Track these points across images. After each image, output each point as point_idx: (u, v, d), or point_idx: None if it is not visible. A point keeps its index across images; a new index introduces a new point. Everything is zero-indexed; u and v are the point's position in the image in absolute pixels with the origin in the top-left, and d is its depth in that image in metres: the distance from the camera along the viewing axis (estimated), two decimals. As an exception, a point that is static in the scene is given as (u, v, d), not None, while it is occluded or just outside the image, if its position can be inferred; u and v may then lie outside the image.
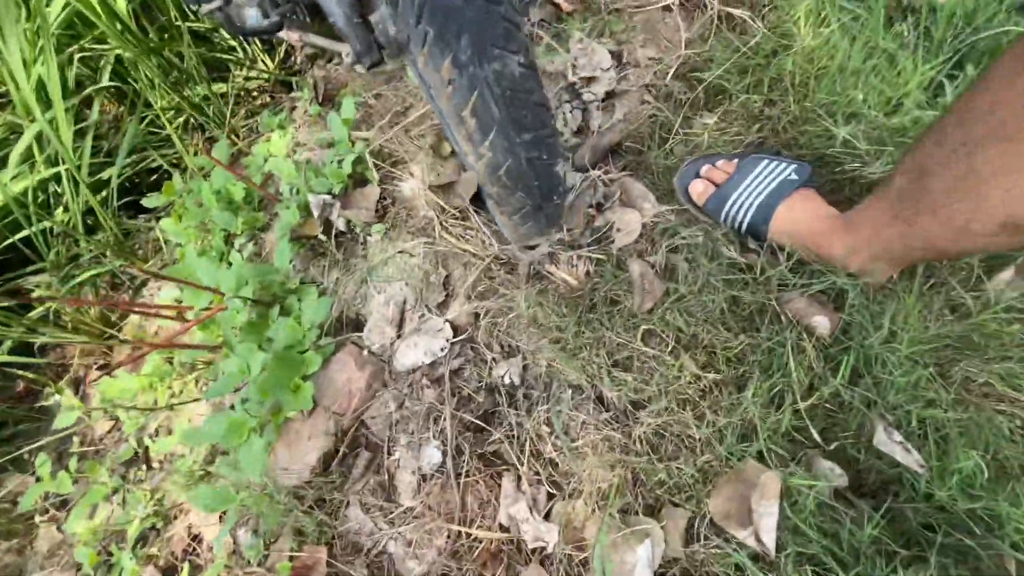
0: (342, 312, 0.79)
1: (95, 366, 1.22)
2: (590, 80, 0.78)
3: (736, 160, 0.67)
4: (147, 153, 1.27)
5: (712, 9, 0.76)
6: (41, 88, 1.06)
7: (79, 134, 1.14)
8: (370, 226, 0.83)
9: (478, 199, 0.72)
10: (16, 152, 1.04)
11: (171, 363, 1.02)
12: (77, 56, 1.16)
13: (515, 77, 0.45)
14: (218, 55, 1.27)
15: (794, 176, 0.62)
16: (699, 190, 0.67)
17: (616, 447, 0.59)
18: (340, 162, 0.88)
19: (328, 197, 0.86)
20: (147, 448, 1.01)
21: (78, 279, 1.17)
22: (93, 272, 1.19)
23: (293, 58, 1.46)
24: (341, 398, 0.71)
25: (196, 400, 0.93)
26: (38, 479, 1.05)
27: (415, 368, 0.70)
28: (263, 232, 1.05)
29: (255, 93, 1.43)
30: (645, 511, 0.58)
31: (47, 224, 1.10)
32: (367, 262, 0.82)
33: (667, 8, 0.80)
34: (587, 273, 0.68)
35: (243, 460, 0.65)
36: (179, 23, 1.16)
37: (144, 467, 1.02)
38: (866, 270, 0.56)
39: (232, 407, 0.74)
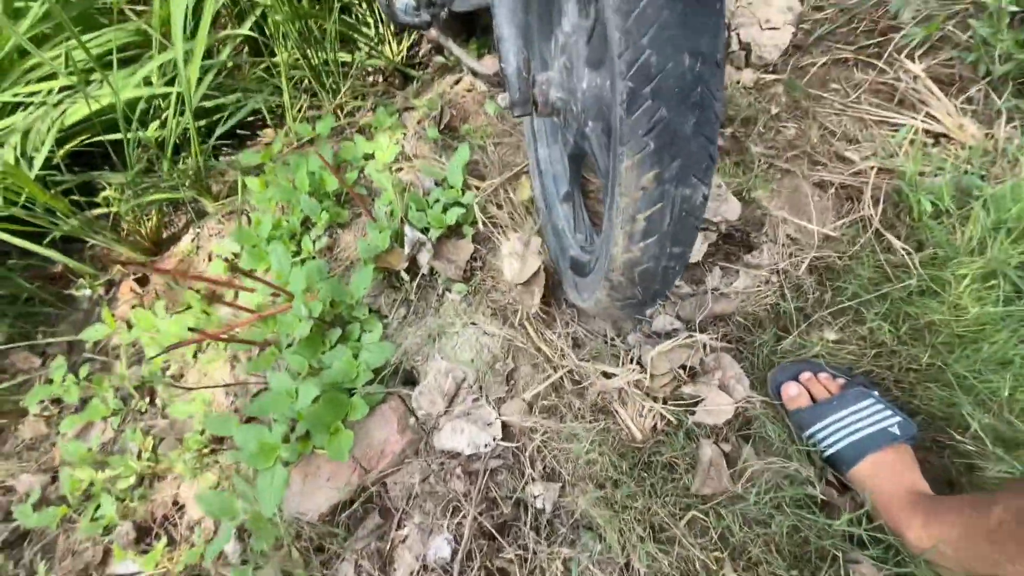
0: (400, 362, 0.78)
1: (132, 276, 1.23)
2: (715, 225, 0.77)
3: (840, 381, 0.65)
4: (252, 96, 1.27)
5: (869, 227, 0.73)
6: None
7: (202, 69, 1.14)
8: (454, 283, 0.82)
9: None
10: (147, 69, 1.05)
11: (208, 315, 1.02)
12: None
13: (695, 204, 0.50)
14: (349, 28, 1.26)
15: (897, 431, 0.59)
16: (792, 394, 0.65)
17: (627, 624, 0.57)
18: (445, 208, 0.87)
19: (423, 237, 0.85)
20: (153, 387, 1.01)
21: (150, 197, 1.18)
22: (165, 195, 1.19)
23: (417, 49, 1.46)
24: (372, 454, 0.70)
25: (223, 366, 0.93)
26: (49, 380, 1.05)
27: (453, 454, 0.69)
28: (341, 228, 1.04)
29: (370, 72, 1.43)
30: None
31: (141, 135, 1.10)
32: (438, 318, 0.80)
33: (820, 185, 0.78)
34: (654, 428, 0.66)
35: (262, 488, 0.64)
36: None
37: (147, 401, 1.02)
38: (936, 565, 0.54)
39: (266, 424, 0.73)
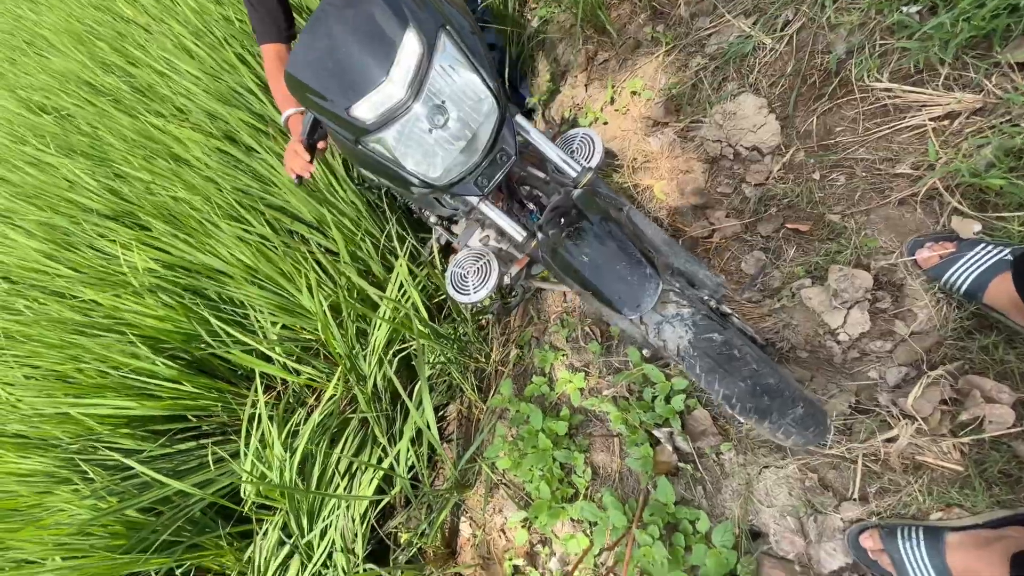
0: (738, 532, 0.98)
1: None
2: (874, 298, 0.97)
3: (956, 242, 0.89)
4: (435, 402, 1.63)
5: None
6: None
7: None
8: (719, 445, 1.04)
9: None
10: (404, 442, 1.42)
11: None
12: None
13: (802, 414, 0.78)
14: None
15: (1009, 257, 0.82)
16: (925, 256, 0.91)
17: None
18: (667, 399, 1.12)
19: (670, 429, 1.09)
20: None
21: (440, 517, 1.50)
22: (443, 511, 1.52)
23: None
24: (788, 608, 0.88)
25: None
26: None
27: (841, 569, 0.86)
28: (588, 453, 1.31)
29: (484, 325, 1.79)
30: None
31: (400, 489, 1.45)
32: (732, 480, 1.02)
33: (902, 203, 0.98)
34: (962, 454, 0.82)
35: None
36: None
37: None
38: None
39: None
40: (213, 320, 1.45)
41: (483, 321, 1.71)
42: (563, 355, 1.44)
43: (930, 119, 0.97)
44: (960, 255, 0.87)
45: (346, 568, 1.45)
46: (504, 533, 1.47)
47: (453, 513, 1.59)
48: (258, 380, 1.46)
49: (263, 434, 1.49)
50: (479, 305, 1.08)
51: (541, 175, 1.05)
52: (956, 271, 0.87)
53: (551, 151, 0.90)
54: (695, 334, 0.80)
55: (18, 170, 2.05)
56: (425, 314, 1.52)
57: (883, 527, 0.82)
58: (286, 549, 1.50)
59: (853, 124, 1.07)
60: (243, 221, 1.45)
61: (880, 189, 1.01)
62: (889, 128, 1.02)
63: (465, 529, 1.55)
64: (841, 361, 0.95)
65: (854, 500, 0.87)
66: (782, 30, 1.19)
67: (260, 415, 1.48)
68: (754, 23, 1.25)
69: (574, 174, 0.89)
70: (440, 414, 1.73)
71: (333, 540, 1.47)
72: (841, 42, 1.10)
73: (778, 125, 1.15)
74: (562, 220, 0.86)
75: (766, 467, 0.97)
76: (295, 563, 1.50)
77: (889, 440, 0.87)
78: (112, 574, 1.29)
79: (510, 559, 1.33)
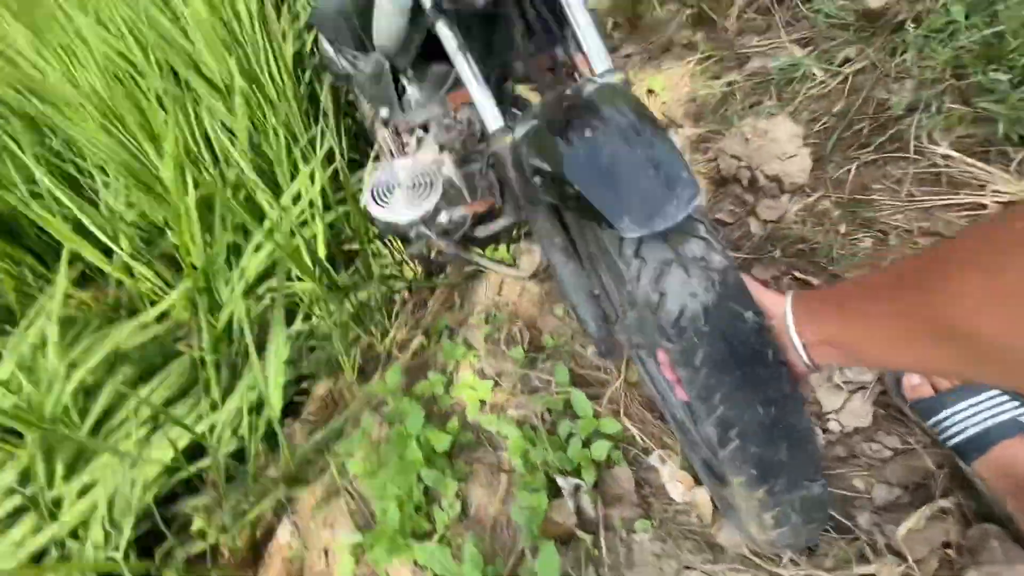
0: (628, 643, 0.70)
1: None
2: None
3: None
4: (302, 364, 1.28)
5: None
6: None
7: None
8: (633, 521, 0.77)
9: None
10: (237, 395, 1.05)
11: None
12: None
13: (815, 496, 0.52)
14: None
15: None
16: (915, 383, 0.67)
17: None
18: (586, 442, 0.84)
19: (578, 481, 0.81)
20: None
21: (252, 511, 1.12)
22: (263, 506, 1.14)
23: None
24: None
25: None
26: None
27: None
28: (466, 484, 1.00)
29: (393, 300, 1.46)
30: None
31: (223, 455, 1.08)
32: (637, 570, 0.74)
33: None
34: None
35: None
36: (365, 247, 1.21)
37: None
38: None
39: None
40: (32, 164, 1.05)
41: (396, 292, 1.39)
42: (475, 356, 1.14)
43: (992, 202, 0.80)
44: (962, 396, 0.64)
45: (102, 547, 1.03)
46: (327, 555, 1.10)
47: (275, 512, 1.21)
48: (65, 259, 1.05)
49: (43, 334, 1.07)
50: (391, 233, 0.78)
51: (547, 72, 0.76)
52: (951, 416, 0.64)
53: (588, 29, 0.60)
54: (717, 300, 0.48)
55: None
56: (324, 252, 1.18)
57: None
58: (15, 500, 1.06)
59: (896, 185, 0.88)
60: (114, 33, 1.05)
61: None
62: (939, 200, 0.84)
63: (283, 535, 1.17)
64: (823, 455, 0.71)
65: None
66: (839, 66, 1.02)
67: (48, 310, 1.06)
68: (809, 52, 1.08)
69: (600, 69, 0.60)
70: (304, 388, 1.35)
71: (95, 506, 1.05)
72: (907, 94, 0.93)
73: (810, 162, 0.95)
74: (564, 113, 0.55)
75: (688, 568, 0.71)
76: (28, 521, 1.06)
77: (862, 578, 0.63)
78: None
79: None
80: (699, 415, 0.49)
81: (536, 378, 0.99)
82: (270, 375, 1.02)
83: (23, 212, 1.09)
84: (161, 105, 1.02)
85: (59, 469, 1.06)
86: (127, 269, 1.19)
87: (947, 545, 0.61)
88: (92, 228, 1.06)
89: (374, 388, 1.20)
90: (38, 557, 1.01)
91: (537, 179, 0.56)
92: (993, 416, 0.61)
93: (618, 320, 0.80)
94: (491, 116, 0.60)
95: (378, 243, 1.32)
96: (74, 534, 1.05)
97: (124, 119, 0.96)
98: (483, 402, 1.04)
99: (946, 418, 0.64)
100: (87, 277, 1.24)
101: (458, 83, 0.77)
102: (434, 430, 1.02)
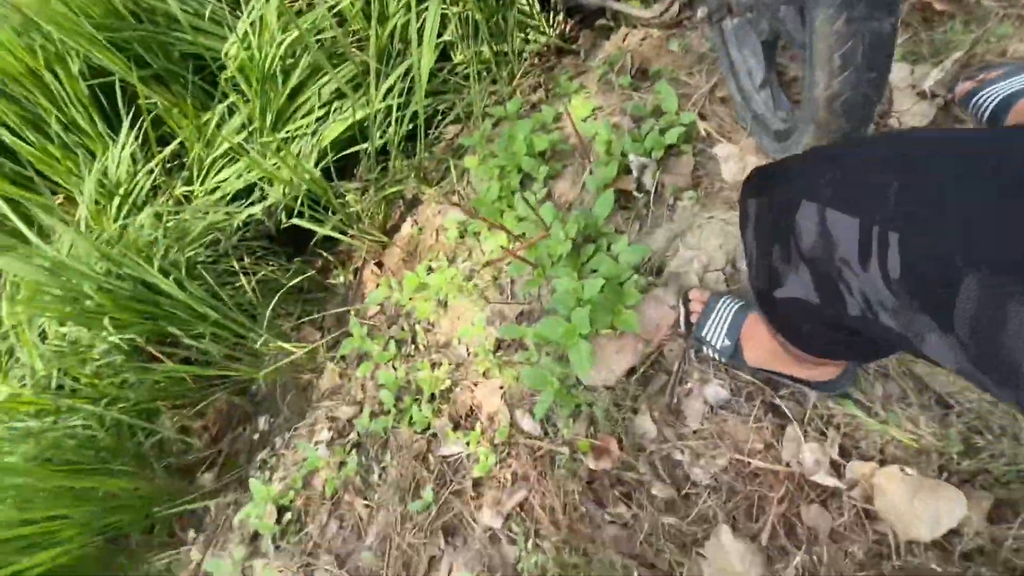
0: (650, 259, 0.93)
1: (373, 262, 1.55)
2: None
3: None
4: (446, 97, 1.53)
5: None
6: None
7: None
8: (683, 191, 0.96)
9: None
10: (388, 82, 1.34)
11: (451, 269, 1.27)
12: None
13: (884, 34, 0.58)
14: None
15: None
16: (966, 87, 0.82)
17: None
18: (663, 131, 1.00)
19: (646, 160, 0.99)
20: (415, 334, 1.28)
21: (384, 192, 1.47)
22: (395, 189, 1.49)
23: (567, 28, 1.61)
24: (649, 328, 0.86)
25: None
26: (348, 335, 1.38)
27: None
28: (553, 180, 1.23)
29: (528, 56, 1.61)
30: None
31: (374, 145, 1.40)
32: (673, 223, 0.94)
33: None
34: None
35: (575, 359, 0.83)
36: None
37: (413, 347, 1.29)
38: None
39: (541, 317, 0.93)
40: None
41: (533, 43, 1.53)
42: (587, 92, 1.30)
43: None
44: (996, 79, 0.79)
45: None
46: (437, 234, 1.45)
47: (404, 208, 1.57)
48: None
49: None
50: None
51: None
52: (986, 93, 0.79)
53: None
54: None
55: None
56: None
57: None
58: (243, 135, 1.48)
59: None
60: None
61: None
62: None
63: (406, 228, 1.53)
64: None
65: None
66: None
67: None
68: None
69: None
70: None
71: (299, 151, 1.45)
72: None
73: None
74: None
75: (711, 217, 0.90)
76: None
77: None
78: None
79: (429, 260, 1.32)
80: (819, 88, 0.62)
81: (638, 98, 1.14)
82: (424, 56, 1.26)
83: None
84: None
85: (269, 120, 1.45)
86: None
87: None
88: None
89: (495, 111, 1.43)
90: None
91: None
92: (1013, 86, 0.77)
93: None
94: None
95: None
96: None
97: None
98: (584, 119, 1.22)
99: (984, 95, 0.79)
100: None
101: None
102: (538, 134, 1.24)
